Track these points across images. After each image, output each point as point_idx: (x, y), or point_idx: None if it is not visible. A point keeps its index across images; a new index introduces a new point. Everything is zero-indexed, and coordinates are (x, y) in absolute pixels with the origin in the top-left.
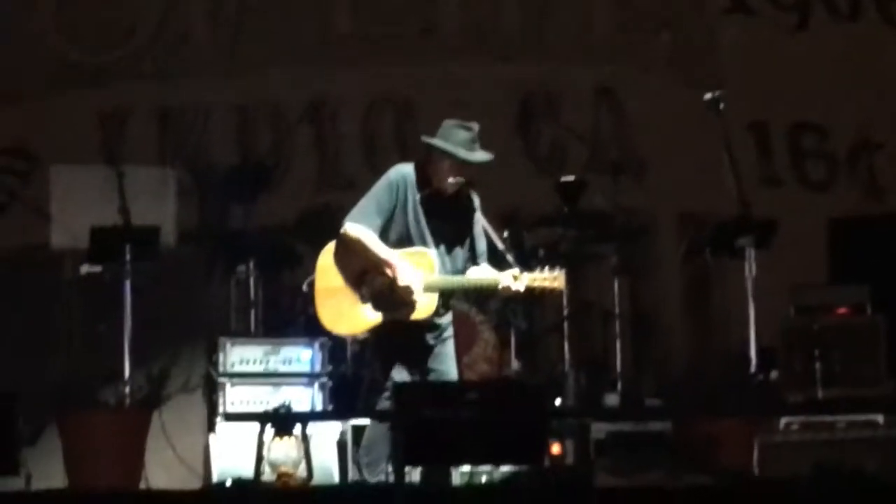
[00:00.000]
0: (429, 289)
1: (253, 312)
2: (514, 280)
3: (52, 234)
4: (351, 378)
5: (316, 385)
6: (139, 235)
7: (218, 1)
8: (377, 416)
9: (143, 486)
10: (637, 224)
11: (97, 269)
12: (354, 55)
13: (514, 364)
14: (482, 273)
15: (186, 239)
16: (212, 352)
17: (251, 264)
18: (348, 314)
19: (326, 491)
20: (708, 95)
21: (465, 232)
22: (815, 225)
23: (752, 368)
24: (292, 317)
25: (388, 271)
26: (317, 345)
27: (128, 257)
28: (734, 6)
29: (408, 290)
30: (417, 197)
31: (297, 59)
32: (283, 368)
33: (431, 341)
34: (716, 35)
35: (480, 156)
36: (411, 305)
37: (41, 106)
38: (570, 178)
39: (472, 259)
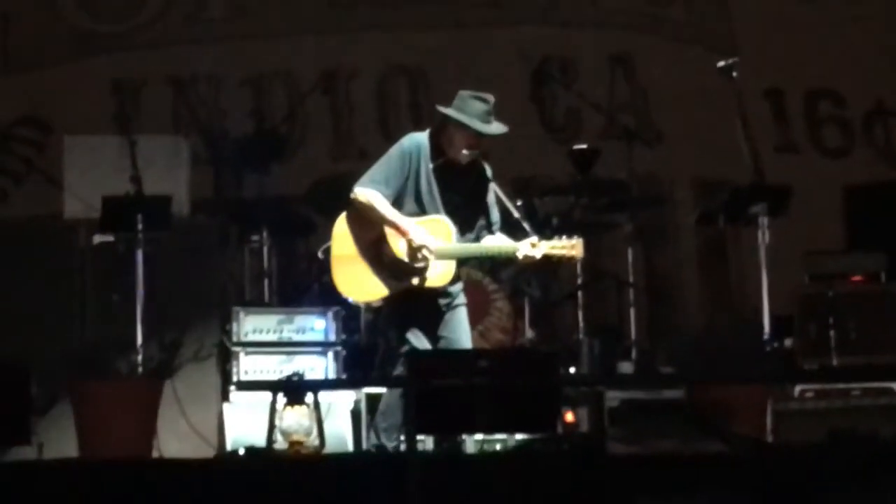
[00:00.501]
0: (446, 256)
1: (267, 281)
2: (533, 247)
3: (65, 204)
4: (365, 347)
5: (330, 354)
6: (151, 205)
7: None
8: (389, 383)
9: (155, 455)
10: (652, 192)
11: (110, 238)
12: (368, 22)
13: (529, 333)
14: (499, 241)
15: (200, 208)
16: (225, 321)
17: (265, 233)
18: (365, 282)
19: (338, 459)
20: (721, 63)
21: (478, 201)
22: (832, 192)
23: (766, 336)
24: (306, 285)
25: (401, 235)
26: (330, 314)
27: (140, 227)
28: None
29: (424, 248)
30: (431, 166)
31: (311, 28)
32: (296, 337)
33: (443, 308)
34: (730, 1)
35: (496, 128)
36: (427, 270)
37: (55, 75)
38: (584, 146)
39: (487, 228)
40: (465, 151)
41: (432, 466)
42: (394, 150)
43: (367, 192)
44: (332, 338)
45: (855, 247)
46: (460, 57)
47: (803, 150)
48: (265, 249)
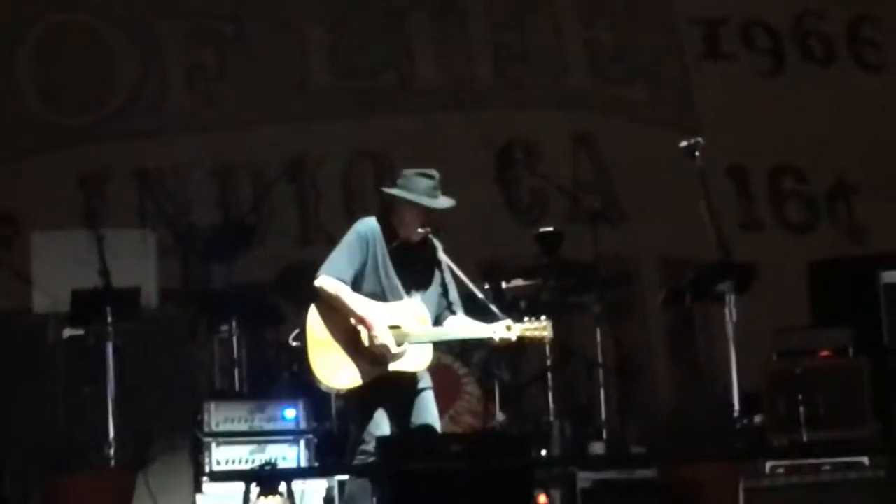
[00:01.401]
0: (422, 341)
1: (237, 371)
2: (508, 330)
3: (33, 299)
4: (336, 434)
5: (301, 442)
6: (119, 297)
7: (195, 61)
8: (361, 471)
9: None
10: (618, 272)
11: (80, 332)
12: (332, 110)
13: (500, 416)
14: (471, 324)
15: (169, 299)
16: (196, 412)
17: (234, 323)
18: (343, 368)
19: None
20: (683, 143)
21: (435, 279)
22: (797, 268)
23: (736, 413)
24: (277, 373)
25: (363, 328)
26: (301, 402)
27: (109, 319)
28: (709, 52)
29: (384, 348)
30: (386, 250)
31: (276, 117)
32: (267, 426)
33: (409, 392)
34: (692, 80)
35: (444, 202)
36: (404, 355)
37: (20, 169)
38: (549, 229)
39: (448, 308)
40: (419, 230)
41: None
42: (351, 237)
43: (332, 283)
44: (304, 426)
45: (821, 322)
46: (425, 141)
47: (768, 227)
48: (234, 339)
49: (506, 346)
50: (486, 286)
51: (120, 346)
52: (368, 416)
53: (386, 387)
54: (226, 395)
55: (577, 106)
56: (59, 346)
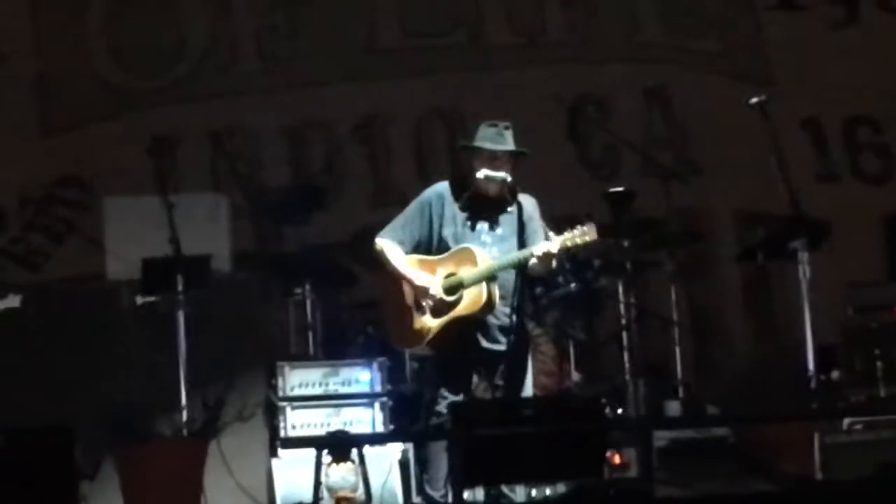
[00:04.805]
0: (473, 282)
1: (311, 334)
2: (547, 241)
3: (107, 266)
4: (411, 396)
5: (376, 405)
6: (190, 265)
7: (265, 21)
8: (432, 436)
9: None
10: (692, 227)
11: (152, 298)
12: (403, 68)
13: (575, 375)
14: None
15: (242, 263)
16: (271, 376)
17: (307, 286)
18: (410, 328)
19: None
20: (753, 99)
21: (514, 232)
22: (874, 220)
23: (811, 370)
24: (351, 336)
25: (405, 284)
26: (375, 365)
27: (180, 287)
28: (781, 2)
29: (425, 291)
30: (457, 207)
31: (346, 76)
32: (342, 390)
33: (485, 344)
34: (764, 31)
35: (506, 145)
36: (461, 300)
37: (94, 134)
38: (619, 188)
39: None
40: (479, 175)
41: None
42: (413, 202)
43: (381, 241)
44: (378, 389)
45: None
46: (495, 98)
47: (844, 178)
48: (308, 302)
49: (549, 256)
50: None
51: (191, 314)
52: (443, 377)
53: (463, 346)
54: (300, 358)
55: (649, 60)
56: (132, 312)
